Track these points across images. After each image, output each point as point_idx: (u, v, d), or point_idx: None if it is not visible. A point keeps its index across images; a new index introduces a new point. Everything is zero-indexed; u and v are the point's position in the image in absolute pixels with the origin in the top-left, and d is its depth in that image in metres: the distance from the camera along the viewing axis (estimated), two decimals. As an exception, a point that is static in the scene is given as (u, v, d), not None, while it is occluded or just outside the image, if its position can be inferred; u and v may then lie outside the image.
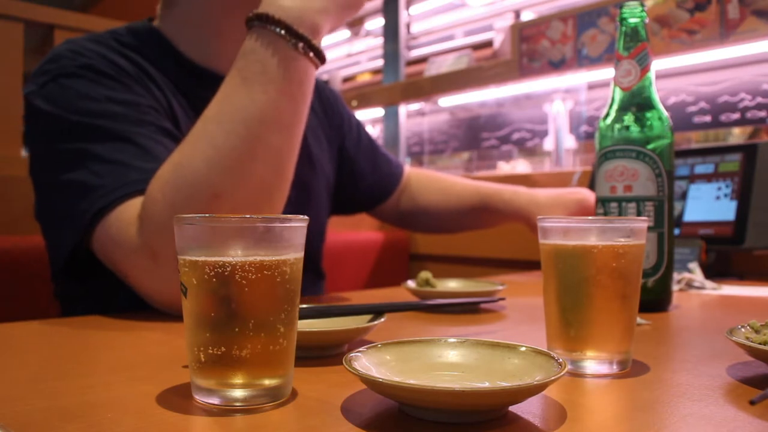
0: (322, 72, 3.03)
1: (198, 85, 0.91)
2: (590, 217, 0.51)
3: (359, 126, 1.24)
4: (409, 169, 1.31)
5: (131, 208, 0.72)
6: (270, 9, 0.73)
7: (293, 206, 0.92)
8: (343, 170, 1.19)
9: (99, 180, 0.74)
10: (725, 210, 1.20)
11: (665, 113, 0.79)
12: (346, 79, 2.96)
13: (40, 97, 0.80)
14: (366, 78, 2.86)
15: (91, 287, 0.86)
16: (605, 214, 0.79)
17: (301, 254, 0.43)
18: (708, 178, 1.25)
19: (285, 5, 0.73)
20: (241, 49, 0.74)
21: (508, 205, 1.19)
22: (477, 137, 2.19)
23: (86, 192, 0.74)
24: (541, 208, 1.16)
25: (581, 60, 1.66)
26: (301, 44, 0.72)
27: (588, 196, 1.16)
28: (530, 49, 1.78)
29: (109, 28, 0.92)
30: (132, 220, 0.71)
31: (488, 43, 2.24)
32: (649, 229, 0.75)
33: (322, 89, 1.17)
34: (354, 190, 1.21)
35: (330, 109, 1.17)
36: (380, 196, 1.25)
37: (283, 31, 0.72)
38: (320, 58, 0.75)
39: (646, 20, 0.78)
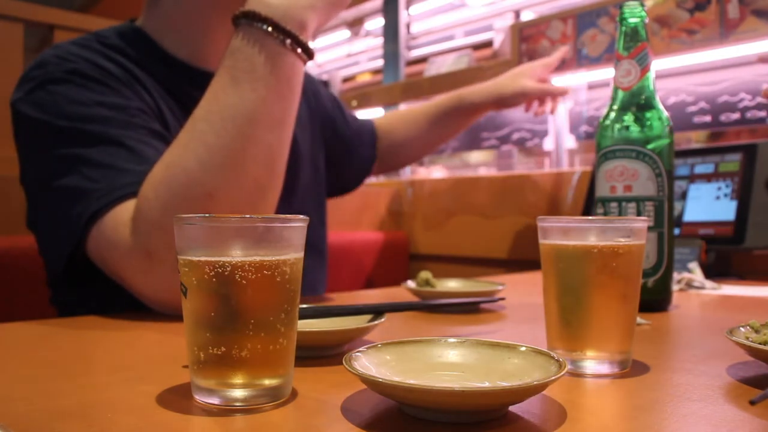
0: (322, 72, 3.02)
1: (186, 84, 0.90)
2: (590, 217, 0.51)
3: (339, 105, 1.26)
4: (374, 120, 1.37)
5: (125, 210, 0.72)
6: (256, 6, 0.72)
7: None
8: (337, 151, 1.21)
9: (92, 184, 0.73)
10: (725, 210, 1.20)
11: (665, 113, 0.79)
12: (346, 79, 2.96)
13: (28, 104, 0.79)
14: (366, 78, 2.86)
15: (88, 293, 0.86)
16: (605, 214, 0.79)
17: (301, 254, 0.43)
18: (708, 178, 1.25)
19: (271, 2, 0.72)
20: (228, 48, 0.74)
21: (477, 94, 1.27)
22: (477, 137, 2.19)
23: (80, 196, 0.73)
24: (511, 78, 1.27)
25: (581, 60, 1.66)
26: (288, 40, 0.72)
27: (533, 64, 1.31)
28: (530, 49, 1.78)
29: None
30: (126, 221, 0.71)
31: (488, 43, 2.24)
32: (649, 229, 0.75)
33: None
34: (351, 166, 1.26)
35: (312, 96, 1.18)
36: (371, 159, 1.29)
37: (269, 28, 0.72)
38: (308, 53, 0.75)
39: (646, 20, 0.78)
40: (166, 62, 0.91)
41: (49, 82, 0.80)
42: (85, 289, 0.85)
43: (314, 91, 1.20)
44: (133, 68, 0.86)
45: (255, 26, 0.72)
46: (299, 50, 0.74)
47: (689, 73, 1.62)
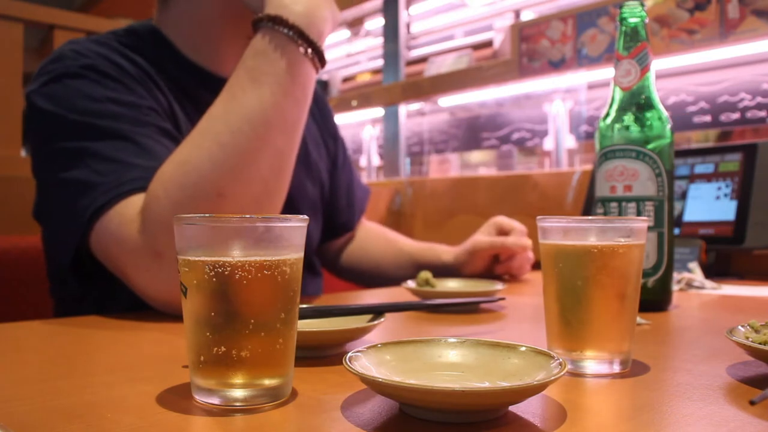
0: (323, 72, 3.02)
1: (199, 88, 0.91)
2: (590, 217, 0.51)
3: (344, 146, 1.23)
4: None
5: (132, 205, 0.72)
6: (283, 12, 0.74)
7: (287, 207, 0.92)
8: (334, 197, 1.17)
9: (100, 178, 0.74)
10: (725, 210, 1.20)
11: (665, 113, 0.79)
12: (346, 79, 2.96)
13: (42, 96, 0.80)
14: (366, 78, 2.86)
15: (91, 289, 0.86)
16: (605, 214, 0.79)
17: (301, 254, 0.43)
18: (708, 177, 1.25)
19: (297, 10, 0.75)
20: (249, 49, 0.75)
21: (448, 254, 1.14)
22: (477, 137, 2.19)
23: (87, 189, 0.74)
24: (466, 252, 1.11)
25: (581, 60, 1.66)
26: (309, 49, 0.75)
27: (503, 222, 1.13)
28: (530, 49, 1.78)
29: (109, 29, 0.92)
30: (133, 217, 0.71)
31: (488, 43, 2.24)
32: (649, 229, 0.75)
33: (318, 96, 1.15)
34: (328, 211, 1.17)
35: (327, 118, 1.18)
36: (341, 228, 1.19)
37: (295, 35, 0.74)
38: (322, 62, 0.78)
39: (646, 20, 0.78)
40: (180, 65, 0.91)
41: (65, 76, 0.81)
42: (87, 284, 0.85)
43: (328, 114, 1.18)
44: (148, 68, 0.87)
45: (280, 31, 0.74)
46: (316, 59, 0.77)
47: (689, 73, 1.62)
